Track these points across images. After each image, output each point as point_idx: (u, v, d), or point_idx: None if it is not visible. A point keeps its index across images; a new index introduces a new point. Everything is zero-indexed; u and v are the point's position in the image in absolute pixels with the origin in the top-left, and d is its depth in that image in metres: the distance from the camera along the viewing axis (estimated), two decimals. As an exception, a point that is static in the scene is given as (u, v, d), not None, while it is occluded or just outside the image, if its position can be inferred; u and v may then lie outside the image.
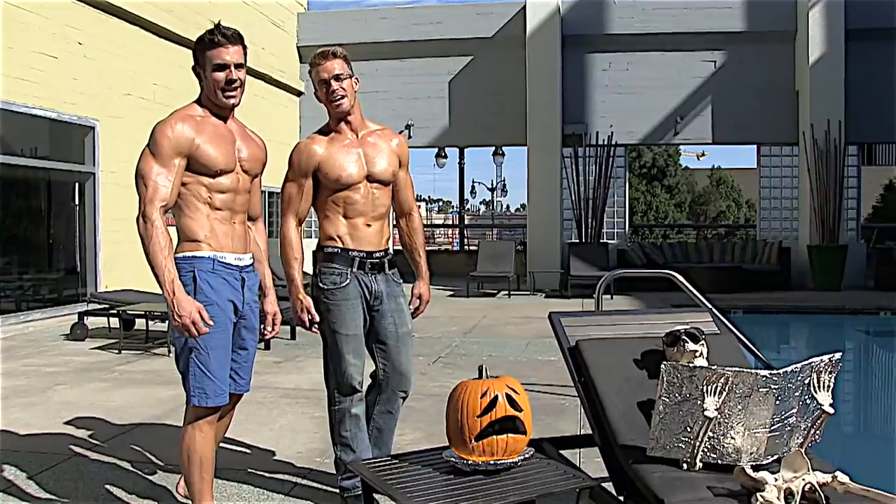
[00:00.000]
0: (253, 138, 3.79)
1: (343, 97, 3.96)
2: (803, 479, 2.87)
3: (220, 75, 3.52)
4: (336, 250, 4.02)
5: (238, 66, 3.55)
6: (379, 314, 4.11)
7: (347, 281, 4.00)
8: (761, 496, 2.78)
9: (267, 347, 9.01)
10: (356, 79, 4.05)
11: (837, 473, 2.90)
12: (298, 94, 19.41)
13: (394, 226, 7.49)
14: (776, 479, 2.84)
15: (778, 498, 2.78)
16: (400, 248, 4.47)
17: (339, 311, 4.00)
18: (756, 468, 3.00)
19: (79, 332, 9.86)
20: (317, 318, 4.00)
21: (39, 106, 11.22)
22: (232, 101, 3.60)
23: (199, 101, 3.64)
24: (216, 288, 3.53)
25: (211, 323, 3.39)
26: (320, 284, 4.03)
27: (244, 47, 3.61)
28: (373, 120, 4.25)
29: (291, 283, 4.02)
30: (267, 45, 17.52)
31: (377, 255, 4.08)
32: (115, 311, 9.53)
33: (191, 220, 3.53)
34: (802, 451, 3.07)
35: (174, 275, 3.33)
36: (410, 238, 4.36)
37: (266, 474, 4.68)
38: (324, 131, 4.10)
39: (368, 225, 4.05)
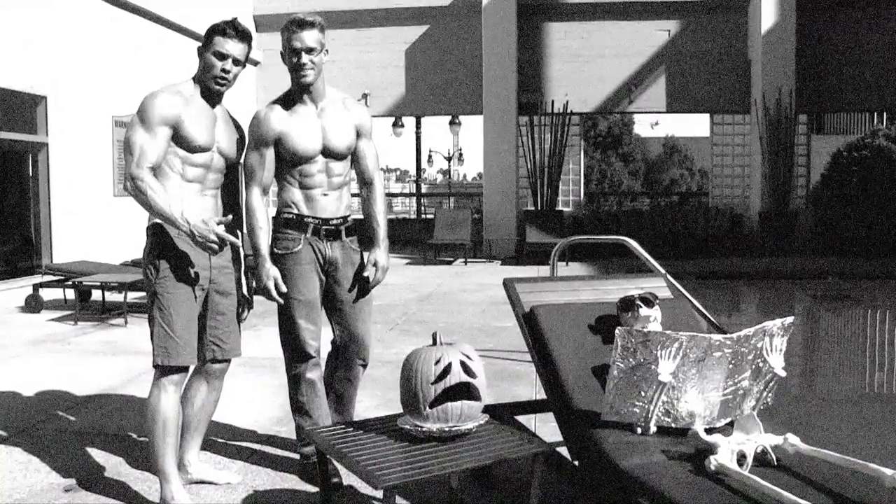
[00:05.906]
0: (232, 125, 3.96)
1: (310, 71, 3.92)
2: (755, 442, 2.92)
3: (217, 62, 3.74)
4: (291, 217, 4.03)
5: (236, 62, 3.76)
6: (335, 281, 4.12)
7: (300, 246, 4.01)
8: (714, 459, 2.83)
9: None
10: (326, 50, 4.00)
11: (788, 435, 2.96)
12: (255, 63, 19.18)
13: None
14: (729, 442, 2.89)
15: (730, 460, 2.83)
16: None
17: (291, 277, 4.00)
18: (709, 431, 3.04)
19: (34, 303, 9.73)
20: (283, 289, 3.96)
21: (-12, 75, 11.01)
22: (219, 88, 3.79)
23: (194, 78, 3.83)
24: (181, 251, 3.67)
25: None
26: (275, 250, 4.03)
27: (249, 47, 3.83)
28: (334, 87, 4.22)
29: (257, 252, 3.95)
30: (222, 15, 17.18)
31: (333, 221, 4.07)
32: (70, 283, 9.43)
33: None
34: (755, 413, 3.12)
35: (185, 214, 3.51)
36: (370, 206, 4.27)
37: (224, 442, 4.68)
38: (283, 101, 4.06)
39: (325, 194, 4.06)
